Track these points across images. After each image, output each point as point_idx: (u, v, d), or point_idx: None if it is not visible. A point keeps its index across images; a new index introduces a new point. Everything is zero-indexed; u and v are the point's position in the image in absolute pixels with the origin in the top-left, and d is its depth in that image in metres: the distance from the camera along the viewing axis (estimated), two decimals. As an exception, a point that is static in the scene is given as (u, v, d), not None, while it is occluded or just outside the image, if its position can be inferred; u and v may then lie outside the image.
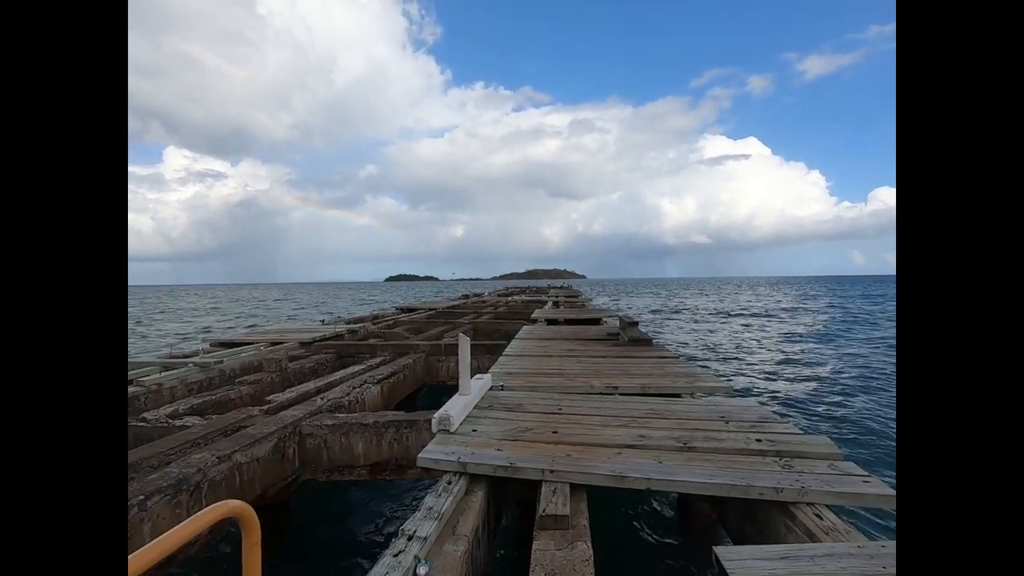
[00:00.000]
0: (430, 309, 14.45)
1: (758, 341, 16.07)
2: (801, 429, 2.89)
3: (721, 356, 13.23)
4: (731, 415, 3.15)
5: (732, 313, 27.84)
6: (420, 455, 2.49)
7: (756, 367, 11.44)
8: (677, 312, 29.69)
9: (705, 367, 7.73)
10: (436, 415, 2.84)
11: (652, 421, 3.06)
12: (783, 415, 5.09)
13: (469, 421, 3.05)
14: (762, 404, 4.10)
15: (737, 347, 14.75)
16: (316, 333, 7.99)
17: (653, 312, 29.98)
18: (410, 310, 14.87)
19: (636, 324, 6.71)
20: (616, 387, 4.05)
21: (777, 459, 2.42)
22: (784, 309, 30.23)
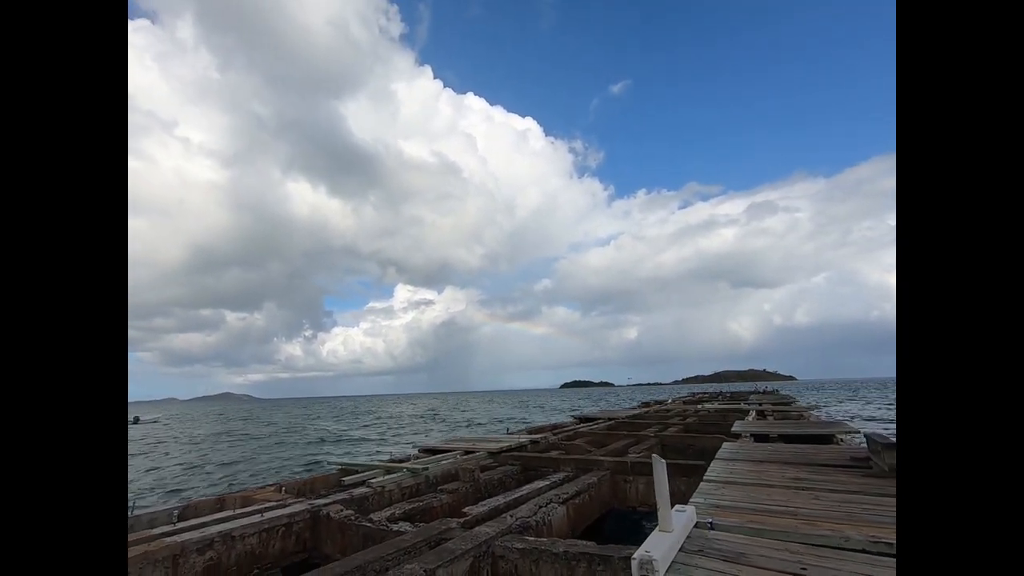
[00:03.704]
0: (610, 419, 13.67)
1: None
2: None
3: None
4: None
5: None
6: (622, 608, 2.12)
7: None
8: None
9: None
10: (637, 556, 2.45)
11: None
12: None
13: (676, 569, 2.52)
14: None
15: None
16: (502, 443, 8.35)
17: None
18: (589, 420, 14.34)
19: (898, 446, 4.90)
20: (891, 544, 2.86)
21: None
22: None
